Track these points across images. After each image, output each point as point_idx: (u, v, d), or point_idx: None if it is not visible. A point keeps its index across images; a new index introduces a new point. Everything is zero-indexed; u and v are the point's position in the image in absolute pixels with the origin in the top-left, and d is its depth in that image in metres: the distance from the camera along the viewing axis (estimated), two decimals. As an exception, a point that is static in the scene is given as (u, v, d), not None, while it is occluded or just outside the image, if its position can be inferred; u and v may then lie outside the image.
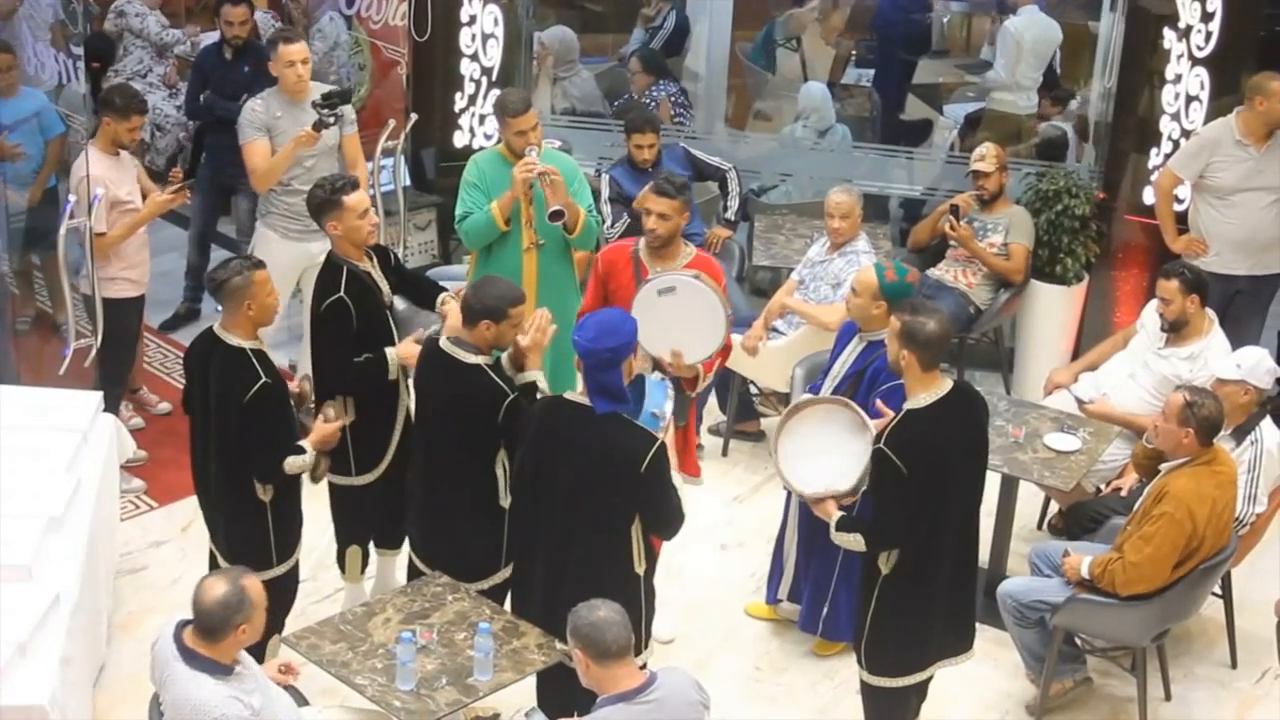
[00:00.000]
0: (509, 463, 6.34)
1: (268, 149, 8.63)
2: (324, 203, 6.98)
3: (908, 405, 6.07)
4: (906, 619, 6.21)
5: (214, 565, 6.69)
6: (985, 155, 9.50)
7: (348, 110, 8.82)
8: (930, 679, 6.48)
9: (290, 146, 8.51)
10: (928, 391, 6.05)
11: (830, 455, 6.34)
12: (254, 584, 5.32)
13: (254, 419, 6.33)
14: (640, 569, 6.07)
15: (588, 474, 5.92)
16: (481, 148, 10.08)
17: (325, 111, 8.50)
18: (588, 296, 7.60)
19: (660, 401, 6.42)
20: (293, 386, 6.76)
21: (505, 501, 6.42)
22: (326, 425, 6.67)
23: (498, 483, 6.42)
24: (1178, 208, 9.36)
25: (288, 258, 8.61)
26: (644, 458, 5.86)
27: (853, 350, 7.10)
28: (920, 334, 6.01)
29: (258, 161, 8.65)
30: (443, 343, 6.49)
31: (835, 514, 6.23)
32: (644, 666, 5.59)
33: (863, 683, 6.43)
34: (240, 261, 6.50)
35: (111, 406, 8.06)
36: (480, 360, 6.39)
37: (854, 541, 6.14)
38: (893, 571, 6.11)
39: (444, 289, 7.36)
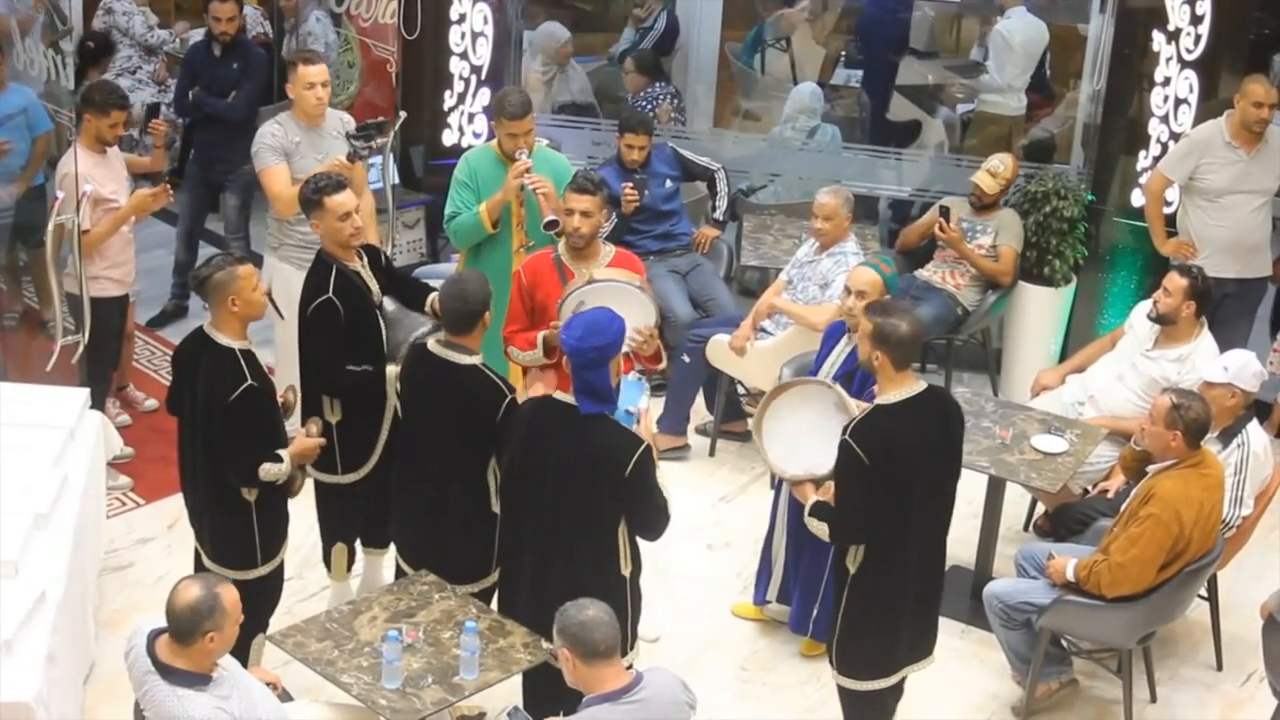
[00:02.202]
0: (499, 464, 6.34)
1: (288, 174, 8.27)
2: (306, 200, 7.00)
3: (877, 400, 6.13)
4: (873, 620, 6.24)
5: (199, 564, 6.68)
6: (997, 174, 9.47)
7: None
8: (904, 680, 6.50)
9: (321, 174, 8.03)
10: (898, 390, 6.11)
11: (813, 436, 6.42)
12: (230, 595, 5.26)
13: (237, 420, 6.30)
14: (626, 570, 6.06)
15: (573, 474, 5.91)
16: (470, 146, 10.07)
17: (360, 144, 8.19)
18: (511, 315, 7.44)
19: (635, 398, 6.44)
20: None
21: (497, 506, 6.42)
22: (307, 440, 6.63)
23: (489, 488, 6.41)
24: (1168, 210, 9.39)
25: None
26: (629, 460, 5.85)
27: (842, 350, 7.12)
28: (893, 336, 6.06)
29: (280, 188, 8.27)
30: (432, 346, 6.47)
31: (811, 498, 6.28)
32: (630, 667, 5.58)
33: (837, 684, 6.46)
34: (223, 257, 6.48)
35: (96, 404, 8.03)
36: (476, 361, 6.40)
37: (822, 530, 6.19)
38: (859, 571, 6.15)
39: (434, 289, 7.34)
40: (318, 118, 8.40)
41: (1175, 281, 8.04)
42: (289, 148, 8.34)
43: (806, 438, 6.43)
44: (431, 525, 6.51)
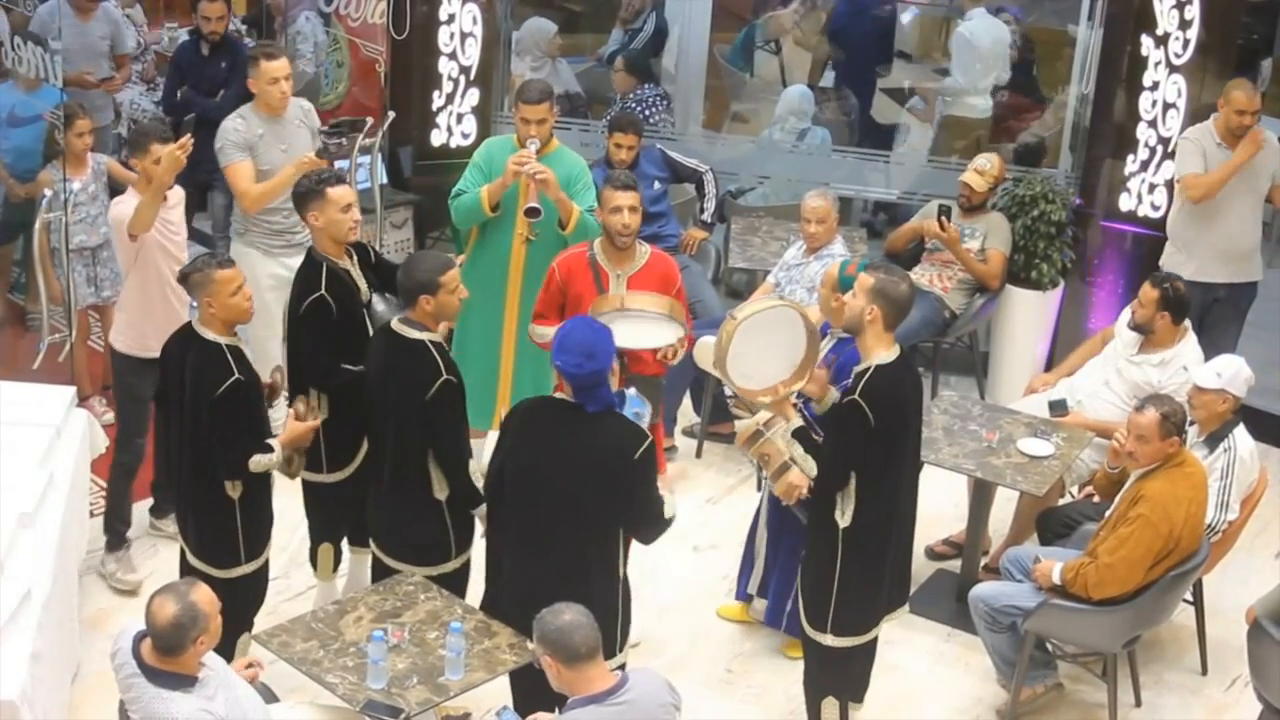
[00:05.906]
0: (446, 455, 6.37)
1: (252, 170, 8.29)
2: (308, 193, 6.96)
3: (875, 361, 6.18)
4: (868, 572, 6.34)
5: (183, 562, 6.68)
6: (985, 172, 9.48)
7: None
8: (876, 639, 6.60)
9: (290, 171, 8.04)
10: (887, 350, 6.20)
11: (764, 353, 6.43)
12: (202, 594, 5.27)
13: (223, 415, 6.32)
14: (624, 571, 6.12)
15: (582, 471, 5.91)
16: (459, 147, 10.09)
17: (331, 141, 8.21)
18: (540, 306, 7.54)
19: (637, 409, 6.47)
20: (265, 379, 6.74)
21: (441, 493, 6.45)
22: (298, 425, 6.64)
23: (430, 470, 6.44)
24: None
25: (272, 274, 8.37)
26: (637, 448, 5.91)
27: (823, 347, 7.11)
28: (892, 291, 6.18)
29: (245, 185, 8.28)
30: (393, 323, 6.52)
31: (794, 420, 6.40)
32: (623, 667, 5.58)
33: (823, 650, 6.46)
34: (206, 259, 6.51)
35: (118, 476, 7.90)
36: (425, 336, 6.42)
37: (805, 462, 6.29)
38: (852, 525, 6.22)
39: None
40: (282, 111, 8.43)
41: (1147, 293, 8.06)
42: (253, 142, 8.36)
43: (757, 355, 6.44)
44: (389, 507, 6.57)
